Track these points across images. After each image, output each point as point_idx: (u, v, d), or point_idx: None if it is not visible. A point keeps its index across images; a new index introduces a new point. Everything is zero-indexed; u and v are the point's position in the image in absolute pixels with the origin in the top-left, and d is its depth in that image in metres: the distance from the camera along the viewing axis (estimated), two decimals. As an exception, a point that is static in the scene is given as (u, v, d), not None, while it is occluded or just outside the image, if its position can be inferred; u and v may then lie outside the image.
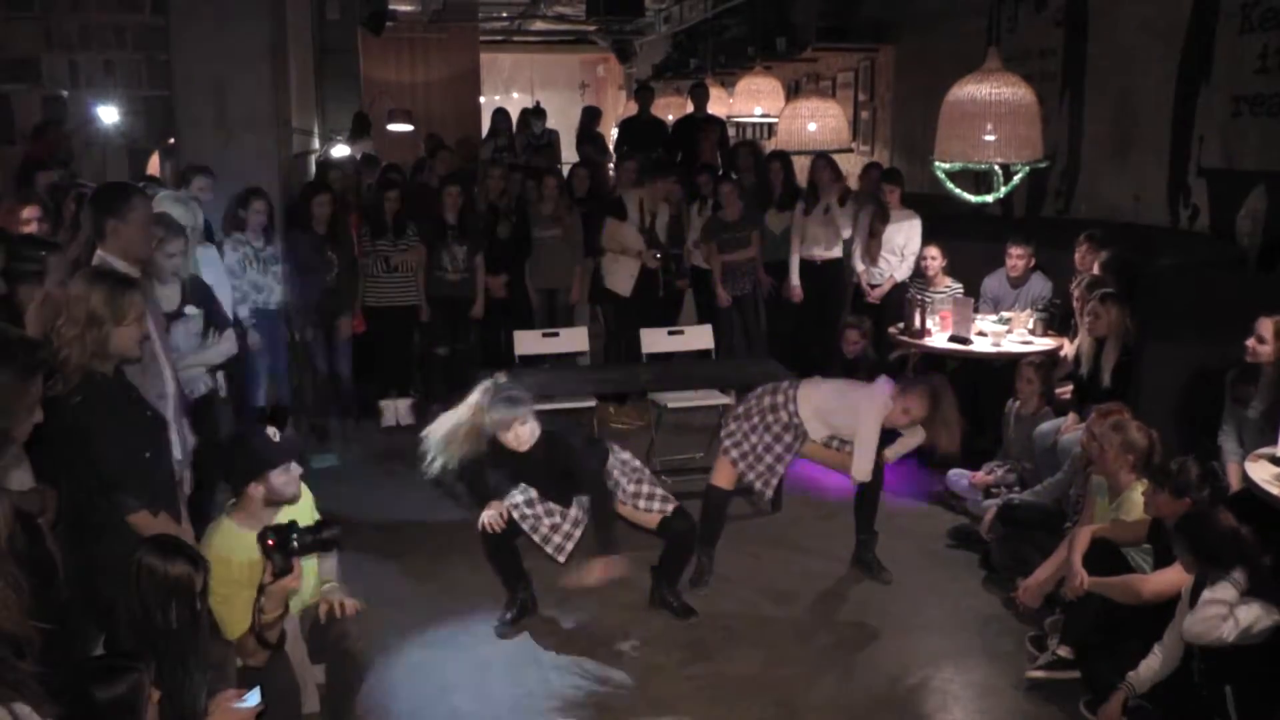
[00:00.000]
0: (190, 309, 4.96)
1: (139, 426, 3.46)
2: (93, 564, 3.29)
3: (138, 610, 2.90)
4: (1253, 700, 3.50)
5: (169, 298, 4.82)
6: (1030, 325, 6.61)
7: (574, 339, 7.28)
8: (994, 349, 6.44)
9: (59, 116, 8.74)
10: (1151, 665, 3.80)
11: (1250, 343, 4.68)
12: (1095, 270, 6.19)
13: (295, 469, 3.62)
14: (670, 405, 6.80)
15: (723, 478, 5.32)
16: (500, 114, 11.46)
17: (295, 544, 3.30)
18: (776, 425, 5.16)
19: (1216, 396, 4.96)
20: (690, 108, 10.79)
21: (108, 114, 8.93)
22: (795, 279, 7.91)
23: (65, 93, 8.89)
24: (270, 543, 3.26)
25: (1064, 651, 4.29)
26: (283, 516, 3.56)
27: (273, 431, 3.63)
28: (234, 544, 3.49)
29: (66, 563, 3.21)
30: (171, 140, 7.75)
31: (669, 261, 7.95)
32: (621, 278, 7.92)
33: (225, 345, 5.05)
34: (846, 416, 5.11)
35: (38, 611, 2.29)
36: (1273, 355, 4.62)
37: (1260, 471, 4.24)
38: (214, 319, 5.10)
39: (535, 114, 11.71)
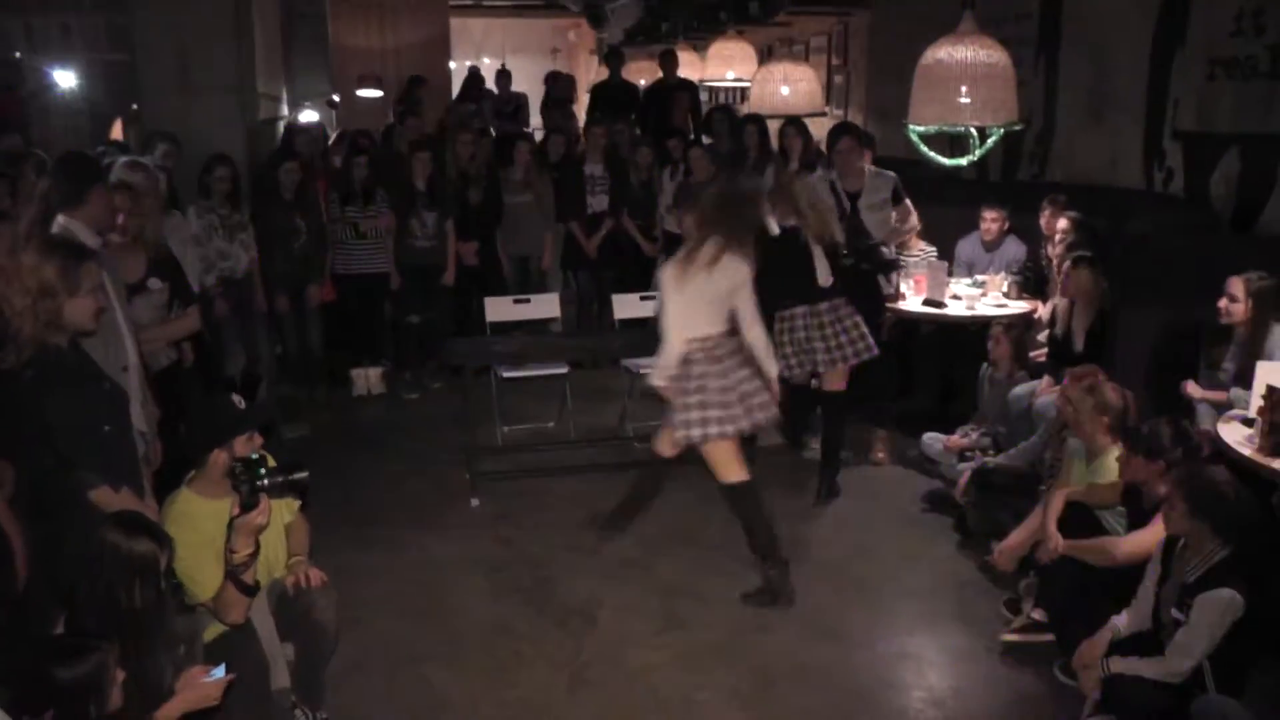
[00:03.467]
0: (154, 281, 4.87)
1: (97, 400, 3.38)
2: (53, 542, 3.22)
3: (100, 589, 2.85)
4: (1228, 668, 3.51)
5: (133, 268, 4.72)
6: (1005, 288, 6.61)
7: (546, 305, 7.22)
8: (968, 312, 6.43)
9: (14, 81, 8.55)
10: (1123, 620, 3.80)
11: (1222, 303, 4.70)
12: (1057, 232, 6.22)
13: (257, 437, 3.55)
14: (643, 371, 6.75)
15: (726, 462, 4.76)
16: (473, 77, 11.33)
17: (264, 481, 3.29)
18: (703, 369, 4.60)
19: (1191, 358, 4.96)
20: (660, 74, 10.69)
21: (65, 78, 8.75)
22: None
23: (18, 55, 8.68)
24: (239, 474, 3.26)
25: (1038, 615, 4.32)
26: None
27: (237, 399, 3.56)
28: (196, 511, 3.42)
29: (26, 541, 3.15)
30: (134, 105, 7.60)
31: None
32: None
33: (189, 321, 4.97)
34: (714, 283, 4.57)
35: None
36: (1245, 314, 4.64)
37: (1232, 434, 4.26)
38: (179, 293, 5.00)
39: (502, 76, 11.61)
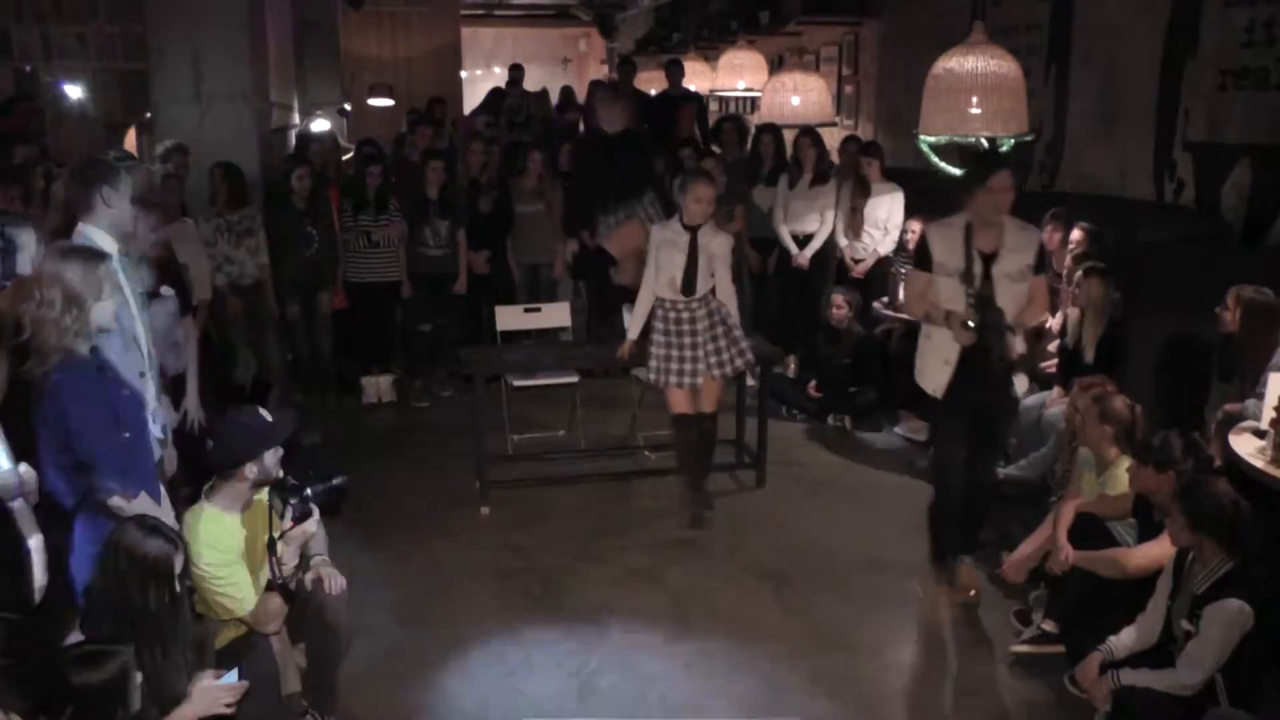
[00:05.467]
0: (166, 289, 4.91)
1: (117, 406, 3.40)
2: (70, 546, 3.24)
3: (115, 592, 2.87)
4: (1241, 681, 3.51)
5: (145, 278, 4.75)
6: (1015, 300, 6.58)
7: (556, 314, 7.23)
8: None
9: (31, 91, 8.61)
10: (1131, 633, 3.80)
11: (1218, 310, 4.74)
12: (1060, 244, 6.21)
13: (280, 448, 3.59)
14: (653, 380, 6.76)
15: (674, 403, 5.60)
16: (497, 92, 11.43)
17: (310, 492, 3.46)
18: (658, 325, 5.53)
19: (1202, 369, 4.96)
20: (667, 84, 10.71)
21: (81, 88, 8.80)
22: (795, 248, 7.82)
23: (28, 67, 8.73)
24: (288, 487, 3.44)
25: (1049, 626, 4.30)
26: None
27: (264, 412, 3.59)
28: (221, 528, 3.44)
29: (44, 546, 3.17)
30: (148, 114, 7.65)
31: None
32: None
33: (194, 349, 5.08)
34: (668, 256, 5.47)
35: (9, 596, 2.25)
36: (1234, 324, 4.66)
37: (1244, 445, 4.24)
38: (185, 301, 5.04)
39: (512, 85, 11.66)
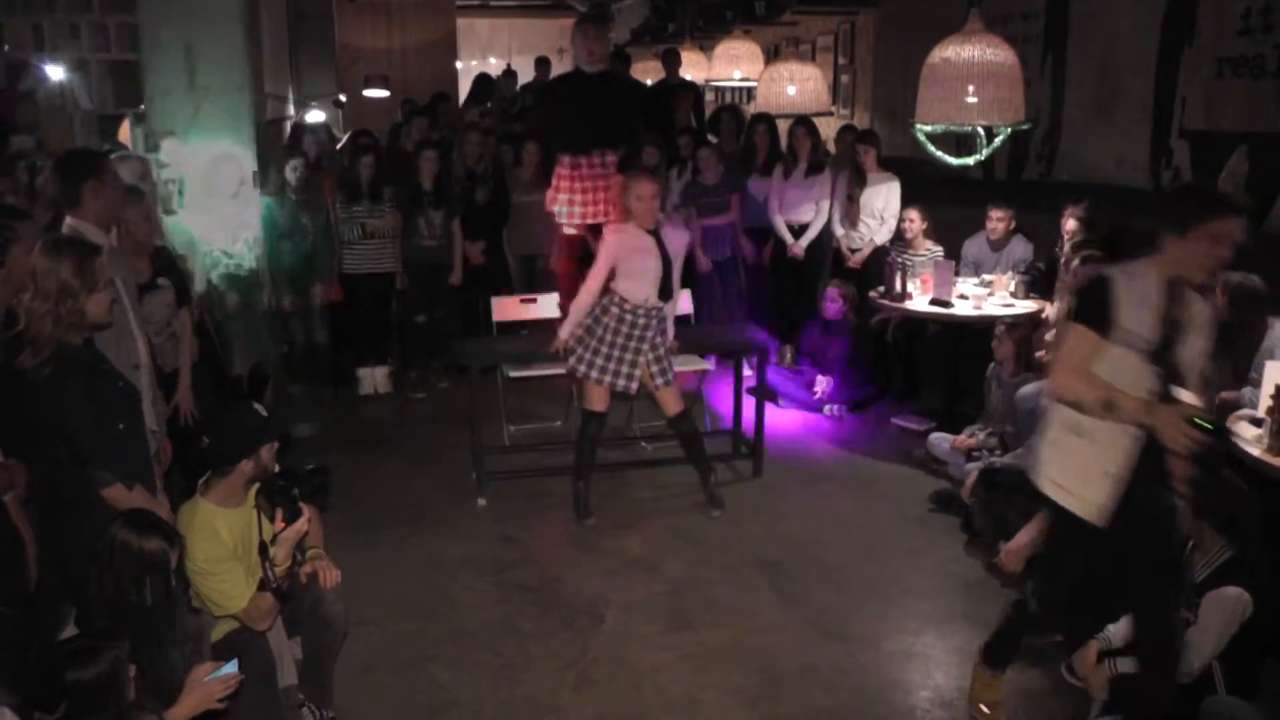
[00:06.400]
0: (163, 280, 4.90)
1: (111, 398, 3.39)
2: (65, 540, 3.24)
3: (111, 586, 2.86)
4: (1239, 669, 3.51)
5: (141, 268, 4.74)
6: (1011, 288, 6.59)
7: (552, 305, 7.21)
8: (975, 312, 6.42)
9: (26, 82, 8.57)
10: (1121, 628, 3.80)
11: (1206, 296, 4.73)
12: (1069, 228, 6.18)
13: (276, 445, 3.58)
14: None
15: (596, 400, 5.55)
16: (482, 79, 11.36)
17: (298, 490, 3.43)
18: (610, 324, 5.37)
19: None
20: (664, 73, 10.69)
21: (74, 79, 8.77)
22: (790, 238, 7.80)
23: (20, 56, 8.68)
24: (278, 489, 3.41)
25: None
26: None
27: (259, 407, 3.58)
28: (216, 522, 3.43)
29: (37, 539, 3.16)
30: (142, 106, 7.61)
31: None
32: None
33: (189, 339, 5.07)
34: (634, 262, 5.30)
35: (4, 590, 2.24)
36: (1223, 310, 4.67)
37: (1241, 433, 4.25)
38: (179, 293, 5.03)
39: (508, 77, 11.62)
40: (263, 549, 3.43)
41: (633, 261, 5.30)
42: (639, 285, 5.33)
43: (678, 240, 5.51)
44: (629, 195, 5.28)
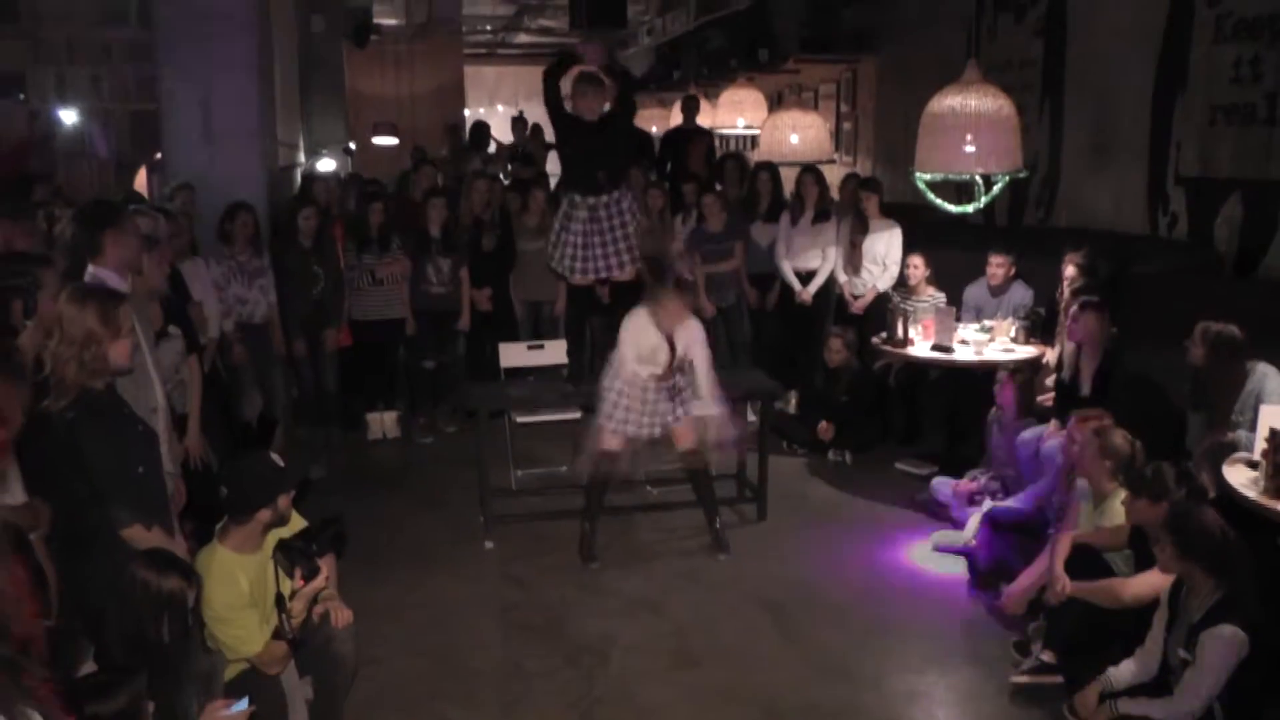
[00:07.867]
0: (174, 329, 4.98)
1: (131, 441, 3.48)
2: (85, 578, 3.31)
3: (130, 623, 2.93)
4: (1239, 707, 3.54)
5: (154, 316, 4.83)
6: (1012, 333, 6.65)
7: (559, 351, 7.28)
8: (976, 357, 6.48)
9: (44, 130, 8.73)
10: (1130, 667, 3.84)
11: (1186, 344, 4.81)
12: (1069, 274, 6.26)
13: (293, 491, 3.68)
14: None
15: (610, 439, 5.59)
16: (479, 127, 11.51)
17: (315, 547, 3.53)
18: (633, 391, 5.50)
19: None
20: (678, 119, 10.83)
21: (91, 127, 8.92)
22: (798, 284, 7.89)
23: (37, 106, 8.84)
24: (296, 549, 3.49)
25: (1047, 656, 4.33)
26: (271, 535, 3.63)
27: (276, 457, 3.67)
28: (234, 569, 3.51)
29: (58, 577, 3.23)
30: (158, 155, 7.76)
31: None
32: None
33: (198, 383, 5.12)
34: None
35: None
36: (1201, 360, 4.73)
37: (1237, 476, 4.29)
38: (190, 340, 5.11)
39: (517, 122, 11.79)
40: (279, 600, 3.50)
41: (644, 341, 5.50)
42: (646, 364, 5.51)
43: (693, 338, 5.57)
44: (659, 307, 5.47)
